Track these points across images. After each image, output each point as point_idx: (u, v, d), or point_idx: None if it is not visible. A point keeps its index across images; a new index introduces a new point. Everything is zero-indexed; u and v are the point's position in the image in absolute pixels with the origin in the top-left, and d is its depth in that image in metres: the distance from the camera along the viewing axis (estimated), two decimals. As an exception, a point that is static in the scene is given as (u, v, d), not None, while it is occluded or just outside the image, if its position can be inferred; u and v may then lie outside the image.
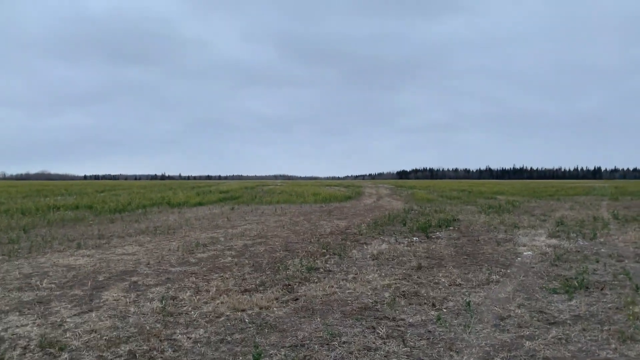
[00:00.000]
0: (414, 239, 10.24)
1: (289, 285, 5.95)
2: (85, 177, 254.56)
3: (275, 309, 4.99)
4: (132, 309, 4.97)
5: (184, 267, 7.23)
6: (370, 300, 5.28)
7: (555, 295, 5.51)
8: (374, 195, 33.14)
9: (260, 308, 4.99)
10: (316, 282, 6.11)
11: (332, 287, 5.86)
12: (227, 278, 6.40)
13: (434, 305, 5.12)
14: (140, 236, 10.78)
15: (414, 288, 5.82)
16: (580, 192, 35.31)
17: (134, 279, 6.43)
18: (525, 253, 8.35)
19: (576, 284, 5.92)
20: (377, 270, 6.86)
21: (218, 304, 5.14)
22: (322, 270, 6.90)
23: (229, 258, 7.94)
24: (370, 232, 11.33)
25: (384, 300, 5.26)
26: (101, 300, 5.33)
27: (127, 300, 5.33)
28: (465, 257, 8.02)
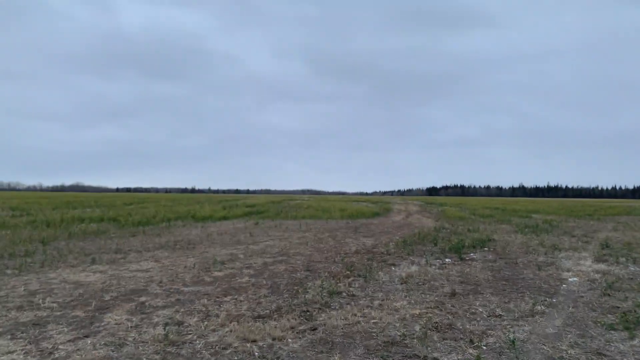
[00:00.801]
0: (447, 260, 9.52)
1: (308, 311, 5.37)
2: (117, 190, 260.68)
3: (290, 340, 4.42)
4: (132, 336, 4.48)
5: (198, 286, 6.74)
6: (398, 333, 4.64)
7: (613, 333, 4.76)
8: (402, 212, 32.29)
9: (273, 339, 4.42)
10: (338, 309, 5.51)
11: (355, 315, 5.25)
12: (241, 301, 5.87)
13: (471, 341, 4.45)
14: (159, 251, 10.40)
15: (448, 319, 5.16)
16: (621, 212, 33.57)
17: (142, 299, 5.97)
18: (570, 279, 7.55)
19: (637, 319, 5.15)
20: (406, 296, 6.21)
21: (227, 332, 4.61)
22: (345, 294, 6.30)
23: (246, 278, 7.42)
24: (399, 251, 10.65)
25: (413, 334, 4.62)
26: (101, 324, 4.87)
27: (129, 324, 4.85)
28: (503, 282, 7.28)
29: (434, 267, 8.65)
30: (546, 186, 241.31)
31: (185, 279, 7.27)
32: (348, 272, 7.78)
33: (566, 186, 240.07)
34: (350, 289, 6.64)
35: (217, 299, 5.97)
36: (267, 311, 5.38)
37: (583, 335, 4.69)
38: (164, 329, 4.63)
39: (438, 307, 5.67)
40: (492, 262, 9.31)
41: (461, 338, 4.54)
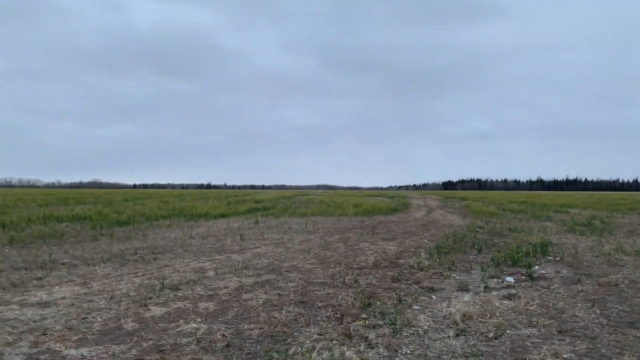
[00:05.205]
0: (508, 279, 6.50)
1: None
2: (134, 186, 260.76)
3: None
4: None
5: (99, 345, 3.83)
6: None
7: None
8: (422, 207, 29.15)
9: None
10: None
11: None
12: (149, 394, 2.93)
13: None
14: (102, 265, 7.54)
15: None
16: (665, 206, 30.04)
17: (-33, 384, 3.09)
18: None
19: None
20: (477, 377, 3.21)
21: None
22: (358, 370, 3.32)
23: (196, 322, 4.48)
24: (435, 264, 7.63)
25: None
26: None
27: None
28: (633, 330, 4.23)
29: (496, 293, 5.63)
30: (565, 179, 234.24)
31: (94, 325, 4.38)
32: (363, 315, 4.73)
33: (585, 179, 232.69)
34: (368, 356, 3.65)
35: (108, 387, 3.04)
36: None
37: None
38: None
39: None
40: (576, 283, 6.27)
41: None
